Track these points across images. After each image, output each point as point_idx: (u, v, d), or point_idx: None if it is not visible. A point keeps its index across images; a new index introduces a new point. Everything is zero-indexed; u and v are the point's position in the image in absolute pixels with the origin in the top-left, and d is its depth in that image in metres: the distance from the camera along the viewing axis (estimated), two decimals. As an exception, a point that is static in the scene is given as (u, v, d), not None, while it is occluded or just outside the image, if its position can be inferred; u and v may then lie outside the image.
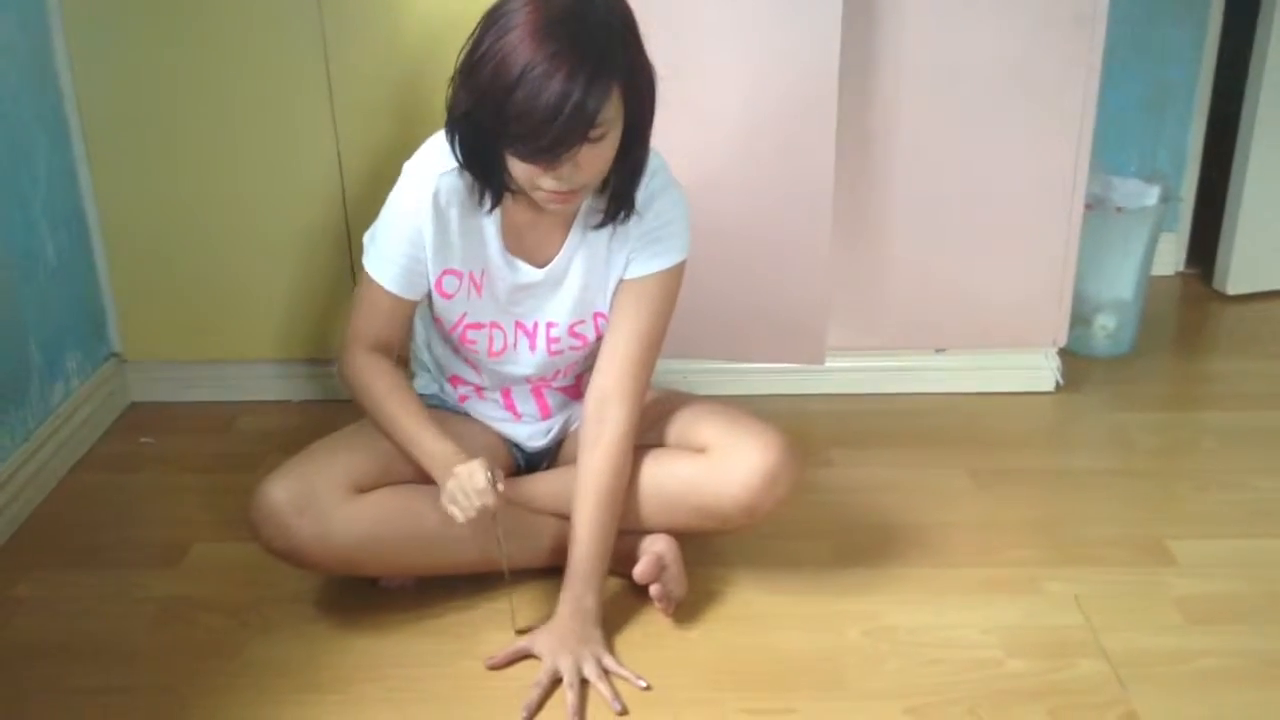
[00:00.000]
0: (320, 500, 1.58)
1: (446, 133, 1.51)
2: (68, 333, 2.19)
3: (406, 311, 1.67)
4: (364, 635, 1.68)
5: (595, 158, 1.44)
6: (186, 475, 2.14)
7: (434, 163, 1.57)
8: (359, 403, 1.68)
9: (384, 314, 1.65)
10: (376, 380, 1.65)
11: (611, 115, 1.42)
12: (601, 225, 1.60)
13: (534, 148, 1.39)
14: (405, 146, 1.62)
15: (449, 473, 1.56)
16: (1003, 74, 2.15)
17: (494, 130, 1.41)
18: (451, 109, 1.47)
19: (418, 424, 1.63)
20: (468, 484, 1.53)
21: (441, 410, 1.80)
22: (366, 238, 1.66)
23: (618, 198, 1.57)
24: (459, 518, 1.54)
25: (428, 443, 1.61)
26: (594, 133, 1.40)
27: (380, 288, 1.63)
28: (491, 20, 1.40)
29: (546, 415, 1.83)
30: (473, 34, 1.42)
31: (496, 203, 1.56)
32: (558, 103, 1.35)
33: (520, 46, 1.36)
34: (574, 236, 1.64)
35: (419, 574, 1.74)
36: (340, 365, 1.69)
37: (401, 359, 1.73)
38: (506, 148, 1.43)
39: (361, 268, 1.66)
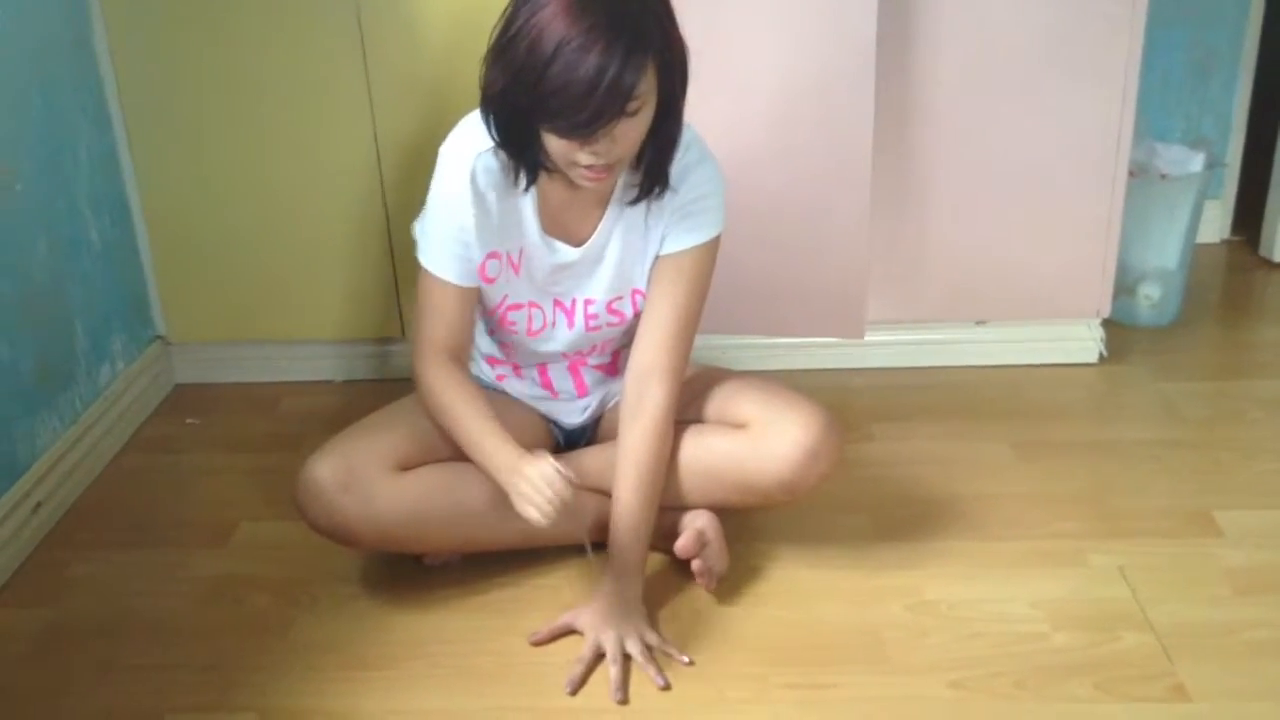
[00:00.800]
0: (364, 477, 1.59)
1: (481, 111, 1.50)
2: (113, 316, 2.22)
3: (471, 302, 1.65)
4: (409, 612, 1.69)
5: (630, 131, 1.44)
6: (232, 455, 2.16)
7: (468, 145, 1.56)
8: (432, 412, 1.65)
9: (450, 308, 1.63)
10: (452, 391, 1.62)
11: (646, 89, 1.41)
12: (637, 200, 1.60)
13: (571, 123, 1.39)
14: (442, 126, 1.62)
15: (518, 475, 1.53)
16: (1043, 40, 2.12)
17: (530, 107, 1.41)
18: (486, 88, 1.47)
19: (490, 434, 1.59)
20: (539, 482, 1.51)
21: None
22: (416, 232, 1.65)
23: (652, 172, 1.56)
24: (539, 520, 1.51)
25: (494, 449, 1.58)
26: (630, 106, 1.39)
27: (440, 281, 1.61)
28: None
29: (583, 393, 1.83)
30: (505, 12, 1.42)
31: (532, 181, 1.56)
32: (595, 76, 1.35)
33: (555, 22, 1.35)
34: (610, 214, 1.63)
35: (463, 551, 1.75)
36: (415, 375, 1.66)
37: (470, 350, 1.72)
38: (542, 124, 1.43)
39: (411, 259, 1.64)
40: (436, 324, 1.64)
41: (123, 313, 2.26)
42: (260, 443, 2.20)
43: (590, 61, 1.34)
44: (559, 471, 1.50)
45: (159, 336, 2.38)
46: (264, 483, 2.04)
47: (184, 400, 2.37)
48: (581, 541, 1.64)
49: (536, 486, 1.51)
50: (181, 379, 2.42)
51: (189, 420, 2.29)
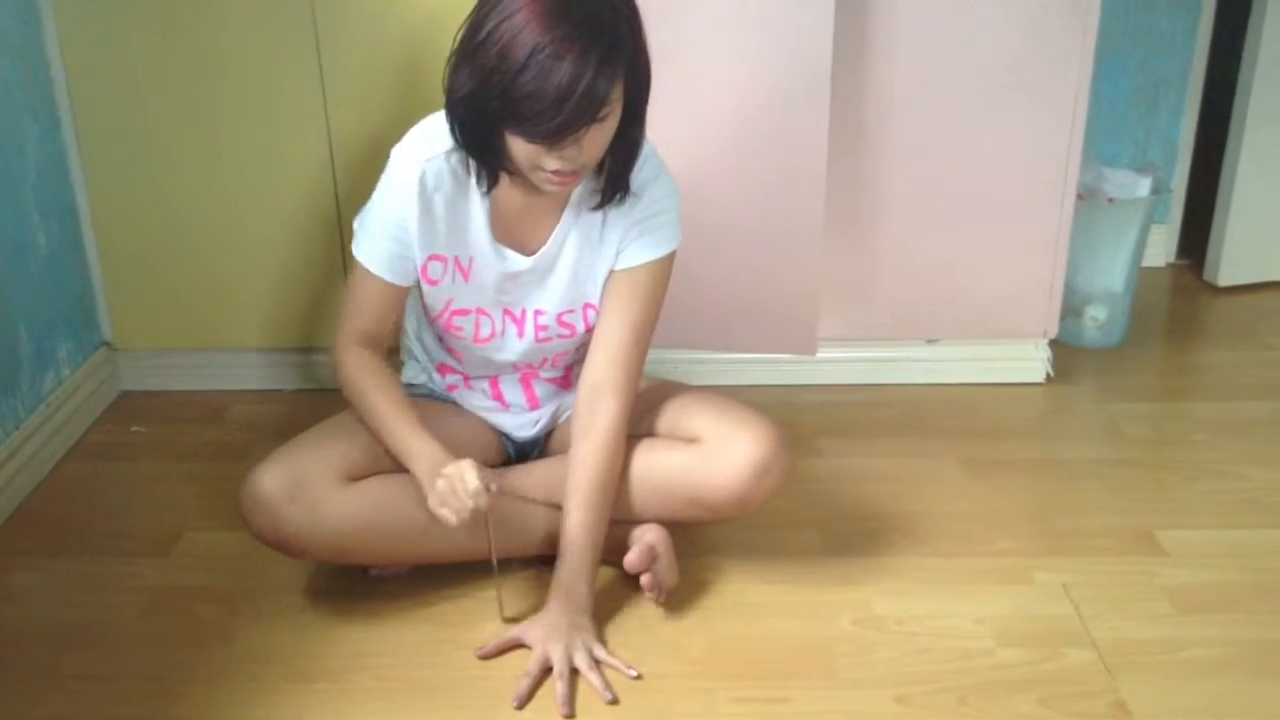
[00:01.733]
0: (311, 488, 1.58)
1: (446, 113, 1.50)
2: (58, 321, 2.19)
3: (397, 299, 1.67)
4: (355, 624, 1.68)
5: (599, 138, 1.45)
6: (177, 464, 2.14)
7: (421, 148, 1.57)
8: (348, 398, 1.68)
9: (374, 302, 1.65)
10: (363, 377, 1.65)
11: (616, 96, 1.42)
12: (599, 207, 1.60)
13: (542, 129, 1.39)
14: (397, 135, 1.62)
15: (437, 472, 1.55)
16: (995, 63, 2.15)
17: (498, 112, 1.41)
18: (451, 90, 1.46)
19: (404, 423, 1.62)
20: (459, 485, 1.52)
21: (430, 400, 1.80)
22: (356, 224, 1.66)
23: (614, 179, 1.57)
24: (451, 520, 1.53)
25: (412, 440, 1.60)
26: (601, 113, 1.40)
27: (370, 274, 1.63)
28: (493, 1, 1.40)
29: (535, 406, 1.83)
30: (471, 16, 1.42)
31: (493, 184, 1.56)
32: (569, 84, 1.35)
33: (527, 28, 1.35)
34: (564, 224, 1.64)
35: (410, 562, 1.74)
36: (332, 359, 1.70)
37: (391, 349, 1.73)
38: (511, 129, 1.43)
39: (352, 256, 1.65)
40: (359, 314, 1.66)
41: (69, 318, 2.23)
42: (207, 451, 2.17)
43: (564, 69, 1.35)
44: (481, 481, 1.51)
45: (105, 342, 2.35)
46: (210, 492, 2.01)
47: (130, 407, 2.34)
48: (521, 555, 1.65)
49: (454, 489, 1.52)
50: (127, 386, 2.39)
51: (134, 428, 2.26)
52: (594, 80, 1.36)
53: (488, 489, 1.52)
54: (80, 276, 2.27)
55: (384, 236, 1.61)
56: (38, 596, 1.76)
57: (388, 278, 1.63)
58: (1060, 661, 1.60)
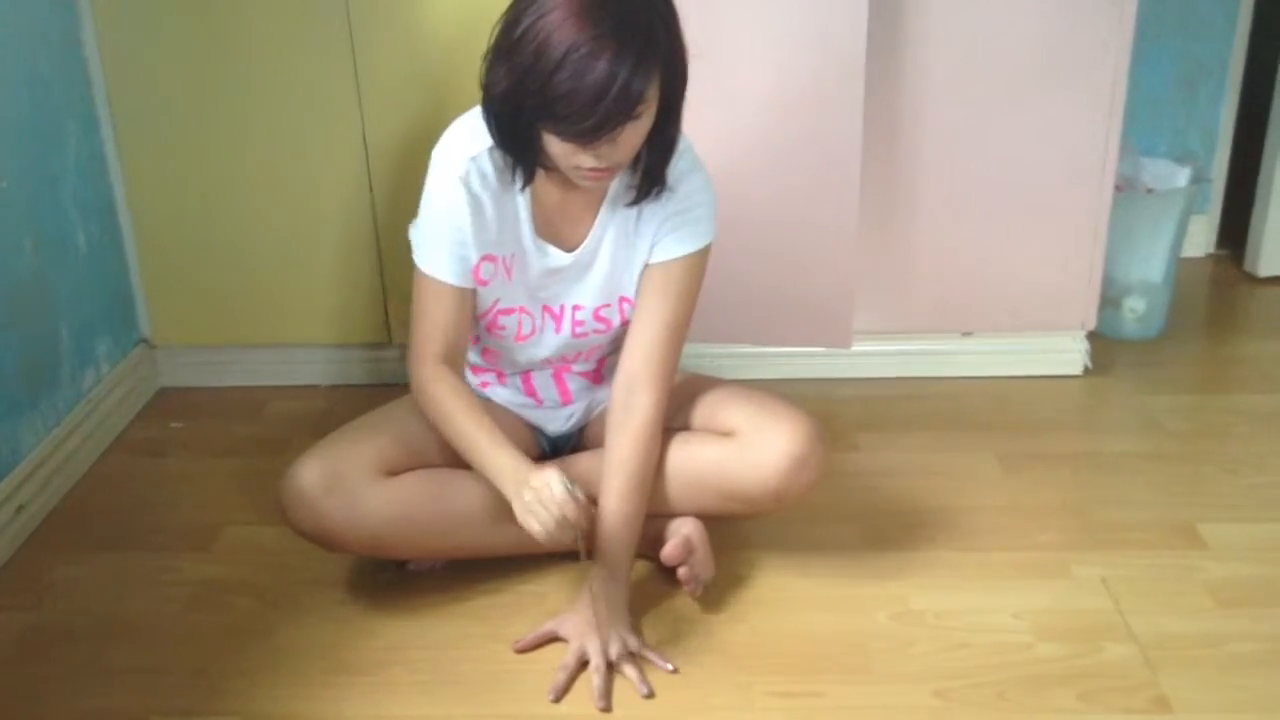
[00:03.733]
0: (349, 481, 1.59)
1: (483, 111, 1.50)
2: (98, 319, 2.21)
3: (469, 304, 1.63)
4: (393, 618, 1.69)
5: (634, 135, 1.44)
6: (216, 459, 2.15)
7: (462, 147, 1.56)
8: (432, 420, 1.64)
9: (449, 312, 1.62)
10: (448, 395, 1.62)
11: (652, 94, 1.42)
12: (635, 203, 1.60)
13: (578, 128, 1.39)
14: (431, 130, 1.62)
15: (524, 485, 1.52)
16: (1032, 53, 2.13)
17: (534, 109, 1.41)
18: (488, 88, 1.46)
19: (490, 439, 1.58)
20: (545, 495, 1.49)
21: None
22: (413, 235, 1.63)
23: (650, 175, 1.57)
24: (539, 532, 1.50)
25: (497, 456, 1.57)
26: (636, 111, 1.40)
27: (438, 283, 1.60)
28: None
29: (568, 401, 1.83)
30: (507, 13, 1.42)
31: (529, 180, 1.56)
32: (604, 83, 1.35)
33: (563, 26, 1.35)
34: (602, 219, 1.64)
35: (447, 556, 1.75)
36: (410, 379, 1.66)
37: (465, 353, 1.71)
38: (546, 127, 1.43)
39: (408, 263, 1.63)
40: (434, 328, 1.63)
41: (108, 315, 2.25)
42: (245, 447, 2.19)
43: (600, 68, 1.35)
44: (568, 489, 1.48)
45: (144, 339, 2.37)
46: (248, 487, 2.03)
47: (168, 404, 2.36)
48: (575, 549, 1.64)
49: (543, 499, 1.49)
50: (166, 382, 2.41)
51: (173, 424, 2.28)
52: (630, 79, 1.36)
53: (575, 497, 1.48)
54: (119, 274, 2.30)
55: (445, 241, 1.59)
56: (81, 591, 1.78)
57: (458, 283, 1.60)
58: (1100, 656, 1.59)
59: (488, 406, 1.79)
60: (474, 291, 1.63)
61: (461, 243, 1.59)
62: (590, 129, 1.38)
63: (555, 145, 1.45)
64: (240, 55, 2.14)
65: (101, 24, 2.13)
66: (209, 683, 1.58)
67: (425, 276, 1.62)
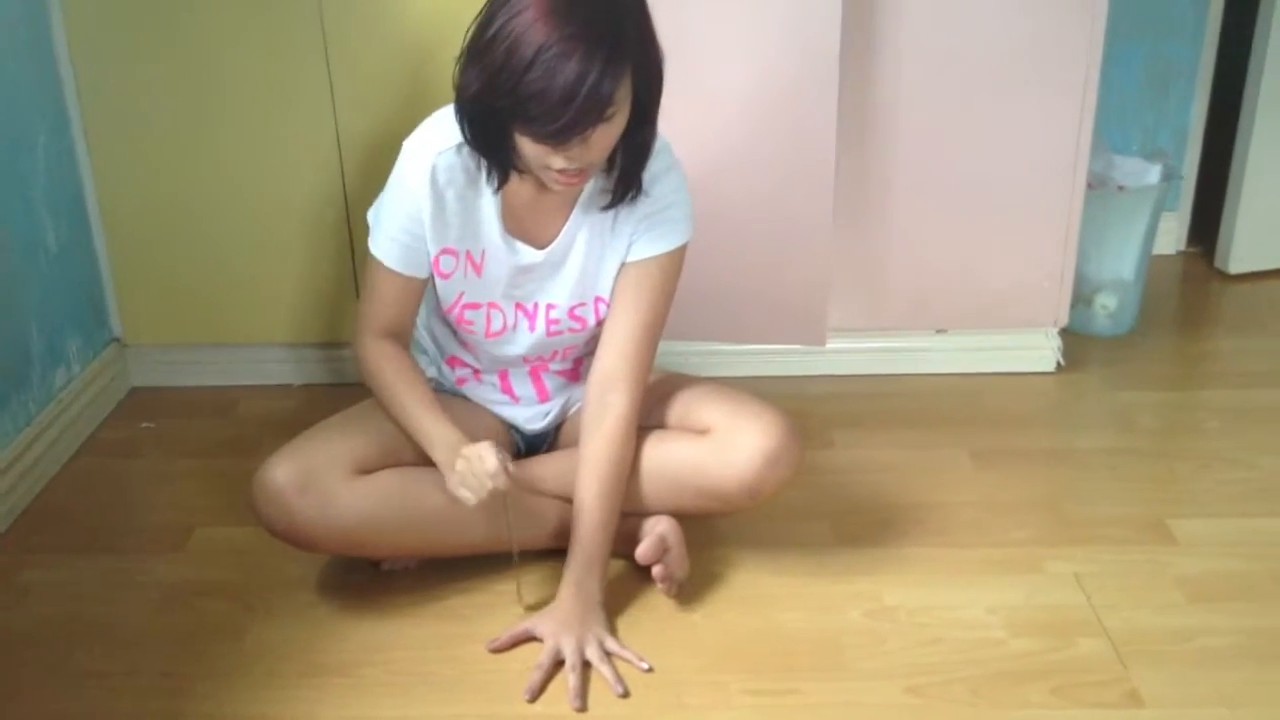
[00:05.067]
0: (322, 480, 1.58)
1: (455, 111, 1.50)
2: (69, 318, 2.19)
3: (415, 291, 1.66)
4: (367, 618, 1.68)
5: (605, 137, 1.44)
6: (188, 460, 2.14)
7: (433, 140, 1.57)
8: (371, 388, 1.68)
9: (392, 295, 1.65)
10: (386, 365, 1.66)
11: (622, 96, 1.42)
12: (610, 207, 1.60)
13: (548, 129, 1.39)
14: (405, 129, 1.62)
15: (457, 455, 1.55)
16: (1004, 52, 2.14)
17: (505, 110, 1.41)
18: (461, 88, 1.46)
19: (424, 408, 1.63)
20: (477, 466, 1.53)
21: (440, 393, 1.80)
22: (370, 217, 1.66)
23: (625, 178, 1.57)
24: (470, 500, 1.54)
25: (433, 427, 1.61)
26: (606, 113, 1.40)
27: (385, 267, 1.63)
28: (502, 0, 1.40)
29: (545, 398, 1.83)
30: (481, 13, 1.42)
31: (503, 182, 1.56)
32: (574, 84, 1.35)
33: (534, 26, 1.35)
34: (575, 218, 1.63)
35: (421, 555, 1.74)
36: (354, 352, 1.70)
37: (410, 335, 1.74)
38: (518, 128, 1.43)
39: (366, 250, 1.65)
40: (379, 307, 1.66)
41: (79, 315, 2.23)
42: (217, 447, 2.18)
43: (569, 69, 1.34)
44: (499, 459, 1.51)
45: (115, 339, 2.35)
46: (220, 487, 2.02)
47: (140, 404, 2.35)
48: (533, 548, 1.65)
49: (473, 470, 1.52)
50: (138, 382, 2.39)
51: (145, 424, 2.27)
52: (599, 80, 1.36)
53: (506, 469, 1.52)
54: (90, 273, 2.28)
55: (398, 230, 1.61)
56: (50, 593, 1.77)
57: (404, 271, 1.63)
58: (1072, 651, 1.60)
59: (464, 402, 1.80)
60: (422, 281, 1.65)
61: (415, 234, 1.60)
62: (561, 129, 1.38)
63: (528, 147, 1.44)
64: (212, 54, 2.12)
65: (71, 22, 2.11)
66: (180, 685, 1.56)
67: (375, 259, 1.64)
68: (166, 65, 2.13)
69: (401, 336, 1.69)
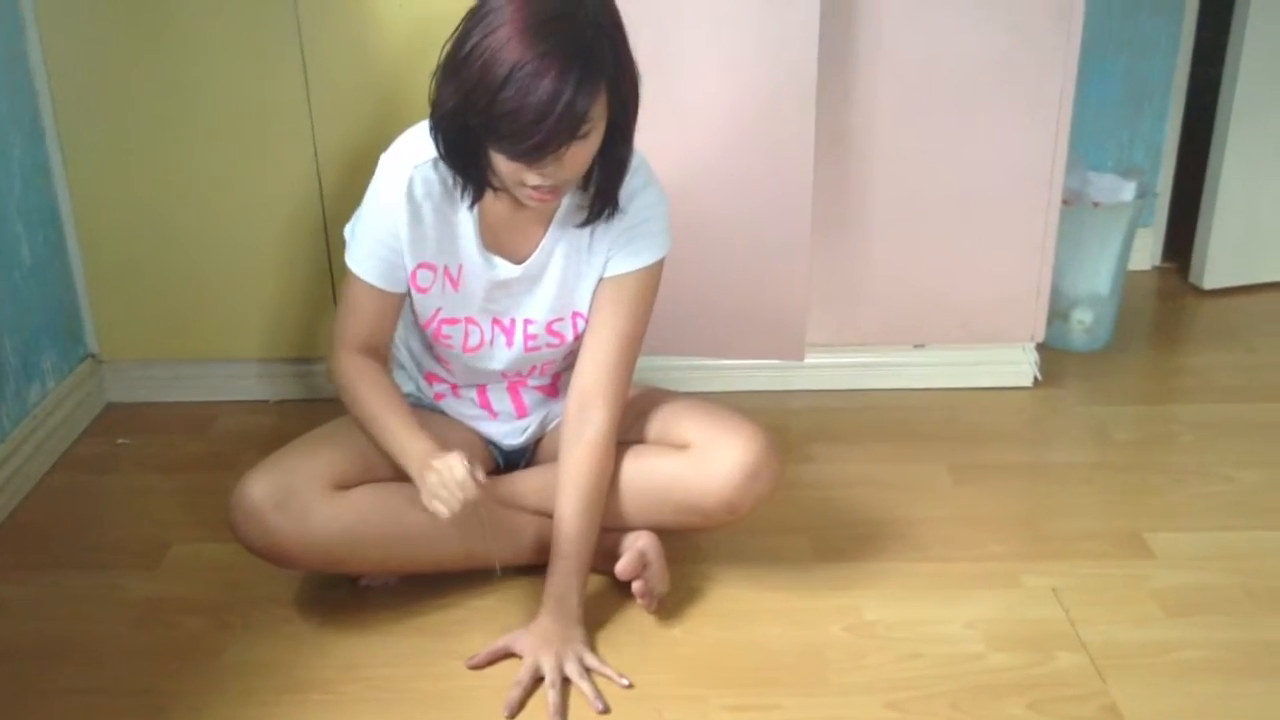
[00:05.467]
0: (300, 496, 1.57)
1: (430, 129, 1.50)
2: (43, 333, 2.18)
3: (392, 306, 1.66)
4: (345, 635, 1.67)
5: (580, 155, 1.44)
6: (164, 476, 2.13)
7: (409, 155, 1.56)
8: (346, 403, 1.67)
9: (369, 310, 1.64)
10: (362, 380, 1.64)
11: (597, 114, 1.42)
12: (586, 223, 1.60)
13: (522, 147, 1.39)
14: (382, 143, 1.62)
15: (427, 468, 1.55)
16: (980, 69, 2.15)
17: (480, 128, 1.41)
18: (436, 105, 1.46)
19: (399, 423, 1.61)
20: (447, 476, 1.51)
21: (418, 409, 1.79)
22: (347, 232, 1.66)
23: (602, 194, 1.57)
24: (443, 513, 1.52)
25: (409, 442, 1.60)
26: (581, 130, 1.40)
27: (362, 282, 1.62)
28: (478, 17, 1.40)
29: (523, 414, 1.83)
30: (457, 30, 1.42)
31: (478, 198, 1.56)
32: (548, 102, 1.35)
33: (509, 44, 1.35)
34: (552, 233, 1.63)
35: (400, 572, 1.73)
36: (329, 368, 1.69)
37: (387, 351, 1.73)
38: (492, 145, 1.43)
39: (344, 265, 1.65)
40: (356, 322, 1.65)
41: (53, 329, 2.22)
42: (193, 463, 2.16)
43: (544, 87, 1.35)
44: (468, 469, 1.50)
45: (91, 354, 2.34)
46: (197, 503, 2.00)
47: (115, 419, 2.33)
48: (512, 564, 1.64)
49: (444, 481, 1.51)
50: (113, 398, 2.38)
51: (120, 440, 2.25)
52: (573, 98, 1.36)
53: (475, 479, 1.51)
54: (65, 287, 2.26)
55: (375, 244, 1.60)
56: (24, 610, 1.75)
57: (381, 285, 1.62)
58: (1051, 665, 1.60)
59: (442, 418, 1.79)
60: (400, 296, 1.65)
61: (393, 249, 1.59)
62: (535, 147, 1.39)
63: (502, 164, 1.44)
64: (189, 68, 2.12)
65: (46, 33, 2.10)
66: (156, 703, 1.55)
67: (352, 274, 1.63)
68: (143, 78, 2.13)
69: (378, 352, 1.68)
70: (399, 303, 1.66)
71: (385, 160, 1.59)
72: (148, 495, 2.07)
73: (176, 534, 1.93)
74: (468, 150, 1.47)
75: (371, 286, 1.62)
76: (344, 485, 1.62)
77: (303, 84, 2.12)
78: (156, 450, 2.21)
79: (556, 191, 1.48)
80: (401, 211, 1.57)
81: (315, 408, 2.22)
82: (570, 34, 1.37)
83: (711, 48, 2.05)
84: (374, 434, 1.63)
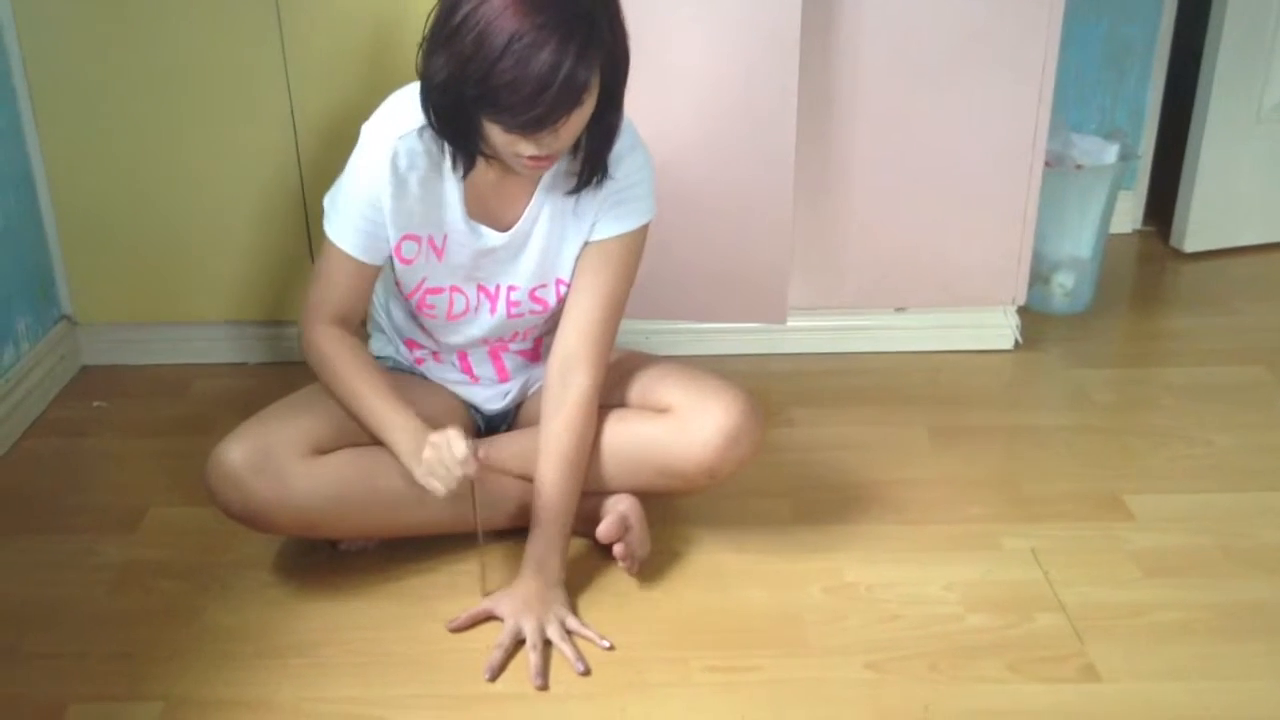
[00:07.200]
0: (278, 460, 1.56)
1: (420, 100, 1.47)
2: (16, 296, 2.15)
3: (368, 278, 1.64)
4: (325, 599, 1.67)
5: (575, 123, 1.42)
6: (141, 439, 2.11)
7: (392, 126, 1.54)
8: (320, 376, 1.65)
9: (345, 281, 1.62)
10: (337, 351, 1.62)
11: (595, 82, 1.40)
12: (575, 190, 1.58)
13: (523, 119, 1.37)
14: (359, 106, 1.60)
15: (420, 443, 1.53)
16: (964, 33, 2.14)
17: (475, 99, 1.38)
18: (427, 77, 1.43)
19: (380, 396, 1.60)
20: (446, 454, 1.50)
21: (398, 372, 1.78)
22: (326, 202, 1.62)
23: (591, 161, 1.55)
24: (439, 490, 1.51)
25: (393, 415, 1.58)
26: (580, 99, 1.38)
27: (341, 253, 1.60)
28: None
29: (504, 378, 1.82)
30: None
31: (470, 169, 1.54)
32: (548, 74, 1.33)
33: (504, 14, 1.32)
34: (538, 199, 1.62)
35: (380, 536, 1.73)
36: (301, 338, 1.66)
37: (359, 322, 1.71)
38: (489, 117, 1.40)
39: (322, 233, 1.62)
40: (331, 293, 1.63)
41: (27, 292, 2.19)
42: (170, 426, 2.15)
43: (543, 58, 1.32)
44: (467, 444, 1.49)
45: (65, 316, 2.32)
46: (174, 467, 1.99)
47: (91, 382, 2.31)
48: (494, 528, 1.64)
49: (442, 459, 1.50)
50: (89, 360, 2.36)
51: (96, 403, 2.23)
52: (574, 69, 1.34)
53: (475, 455, 1.50)
54: (38, 249, 2.24)
55: (356, 215, 1.58)
56: (1, 574, 1.74)
57: (360, 257, 1.60)
58: (1029, 626, 1.61)
59: (422, 382, 1.78)
60: (376, 268, 1.62)
61: (375, 221, 1.57)
62: (534, 119, 1.36)
63: (497, 135, 1.42)
64: (163, 28, 2.08)
65: (17, -8, 2.07)
66: (133, 668, 1.54)
67: (331, 243, 1.61)
68: (117, 39, 2.09)
69: (350, 322, 1.66)
70: (375, 274, 1.64)
71: (367, 131, 1.56)
72: (124, 459, 2.05)
73: (154, 498, 1.92)
74: (460, 121, 1.45)
75: (351, 258, 1.60)
76: (323, 449, 1.61)
77: (279, 46, 2.09)
78: (133, 413, 2.20)
79: (551, 159, 1.47)
80: (385, 184, 1.54)
81: (294, 371, 2.20)
82: (567, 4, 1.34)
83: (694, 14, 2.03)
84: (355, 409, 1.61)
